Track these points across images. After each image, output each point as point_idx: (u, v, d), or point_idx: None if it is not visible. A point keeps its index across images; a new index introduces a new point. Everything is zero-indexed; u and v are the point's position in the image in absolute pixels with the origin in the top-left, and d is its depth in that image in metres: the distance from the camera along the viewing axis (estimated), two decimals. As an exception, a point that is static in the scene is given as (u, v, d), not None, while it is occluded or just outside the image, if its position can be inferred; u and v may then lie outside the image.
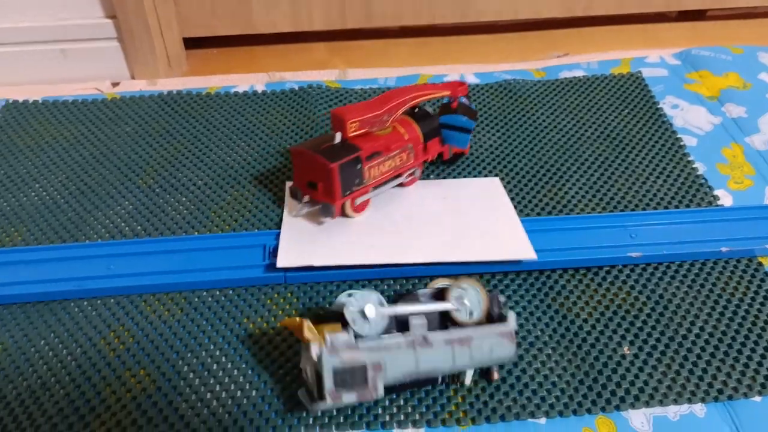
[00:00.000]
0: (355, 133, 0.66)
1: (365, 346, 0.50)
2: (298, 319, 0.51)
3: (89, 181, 0.78)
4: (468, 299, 0.54)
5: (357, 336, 0.50)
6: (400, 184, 0.74)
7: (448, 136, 0.75)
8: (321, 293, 0.64)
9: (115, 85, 0.98)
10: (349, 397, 0.50)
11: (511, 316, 0.54)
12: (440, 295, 0.55)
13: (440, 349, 0.52)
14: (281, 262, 0.63)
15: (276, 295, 0.64)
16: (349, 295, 0.52)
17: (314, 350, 0.49)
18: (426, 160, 0.76)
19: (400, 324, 0.53)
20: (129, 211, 0.74)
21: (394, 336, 0.51)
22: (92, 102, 0.91)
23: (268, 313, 0.62)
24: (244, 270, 0.65)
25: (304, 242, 0.66)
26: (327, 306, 0.62)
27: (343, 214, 0.69)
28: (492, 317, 0.55)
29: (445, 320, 0.54)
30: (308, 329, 0.50)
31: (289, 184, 0.75)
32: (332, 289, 0.64)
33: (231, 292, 0.64)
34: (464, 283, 0.54)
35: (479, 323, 0.54)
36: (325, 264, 0.63)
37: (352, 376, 0.50)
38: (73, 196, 0.76)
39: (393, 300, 0.55)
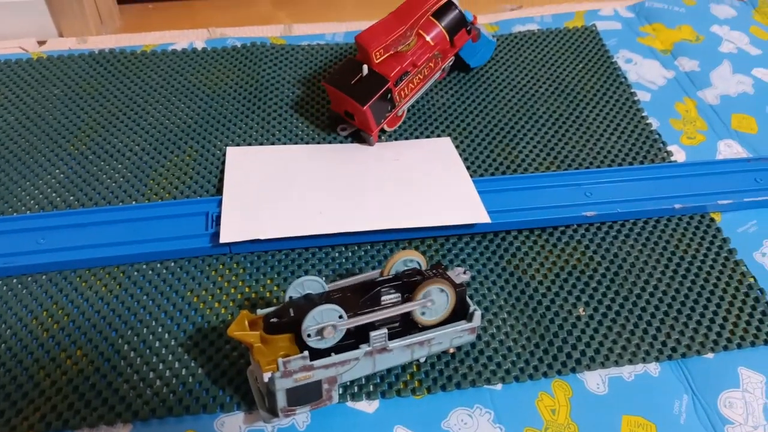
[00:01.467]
0: (381, 59, 0.69)
1: (320, 364, 0.47)
2: (242, 313, 0.48)
3: (15, 149, 0.72)
4: (436, 298, 0.50)
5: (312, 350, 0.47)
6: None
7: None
8: (269, 263, 0.61)
9: (41, 43, 0.91)
10: (303, 410, 0.49)
11: (477, 315, 0.51)
12: (404, 284, 0.51)
13: (399, 353, 0.50)
14: (225, 237, 0.60)
15: (221, 266, 0.61)
16: (302, 287, 0.50)
17: (266, 376, 0.46)
18: (455, 53, 0.78)
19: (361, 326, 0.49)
20: (60, 179, 0.69)
21: (351, 353, 0.48)
22: (16, 62, 0.84)
23: (212, 285, 0.59)
24: (186, 240, 0.61)
25: (249, 212, 0.63)
26: (275, 279, 0.60)
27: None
28: (457, 313, 0.52)
29: (407, 316, 0.50)
30: (258, 351, 0.46)
31: (230, 149, 0.72)
32: (280, 258, 0.62)
33: (173, 264, 0.61)
34: (433, 285, 0.49)
35: (443, 321, 0.51)
36: (272, 236, 0.60)
37: (306, 392, 0.48)
38: (-3, 165, 0.70)
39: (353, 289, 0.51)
